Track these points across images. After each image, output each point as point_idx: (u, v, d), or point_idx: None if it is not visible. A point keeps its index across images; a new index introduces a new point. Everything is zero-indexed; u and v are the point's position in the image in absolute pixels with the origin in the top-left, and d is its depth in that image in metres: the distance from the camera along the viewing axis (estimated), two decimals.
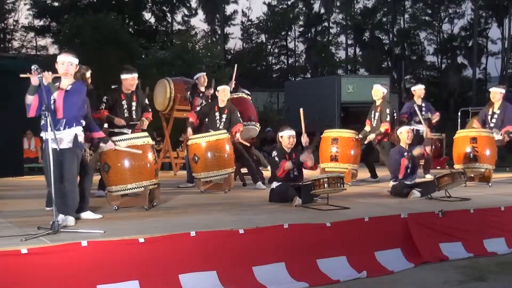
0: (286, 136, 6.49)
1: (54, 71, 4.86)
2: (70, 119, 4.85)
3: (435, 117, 9.17)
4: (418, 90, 9.16)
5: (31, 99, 4.75)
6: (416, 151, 6.81)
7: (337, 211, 5.62)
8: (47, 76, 4.67)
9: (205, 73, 9.09)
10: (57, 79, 4.90)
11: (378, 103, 8.60)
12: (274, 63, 42.55)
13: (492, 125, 8.34)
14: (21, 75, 4.61)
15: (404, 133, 6.94)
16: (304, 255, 4.70)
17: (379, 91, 8.64)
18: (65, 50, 5.12)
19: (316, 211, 5.67)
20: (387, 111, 8.43)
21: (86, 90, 5.18)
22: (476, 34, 37.05)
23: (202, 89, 8.81)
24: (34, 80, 4.60)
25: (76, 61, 4.98)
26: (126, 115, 6.71)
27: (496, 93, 8.45)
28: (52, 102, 4.75)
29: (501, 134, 8.15)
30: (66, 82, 4.91)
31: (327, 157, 8.17)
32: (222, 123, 7.84)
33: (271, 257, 4.57)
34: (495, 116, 8.37)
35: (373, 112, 8.64)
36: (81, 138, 4.95)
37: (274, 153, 6.47)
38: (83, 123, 5.04)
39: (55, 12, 28.93)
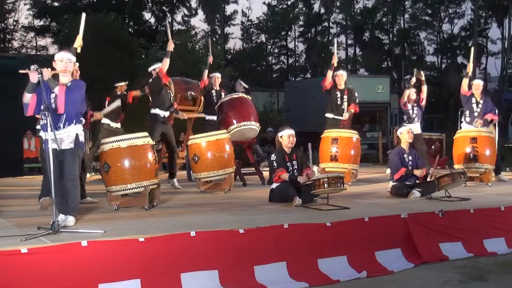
0: (286, 136, 6.47)
1: (52, 69, 4.86)
2: (71, 116, 4.84)
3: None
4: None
5: (28, 98, 4.74)
6: (417, 172, 6.81)
7: (337, 211, 5.62)
8: (47, 72, 4.67)
9: (217, 74, 9.10)
10: (55, 77, 4.91)
11: (343, 87, 8.70)
12: (274, 63, 42.62)
13: (475, 114, 8.38)
14: (20, 71, 4.61)
15: (404, 134, 6.94)
16: (304, 255, 4.71)
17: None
18: (63, 48, 5.11)
19: (316, 211, 5.67)
20: (356, 94, 8.76)
21: None
22: (476, 34, 37.06)
23: (216, 88, 8.84)
24: (33, 77, 4.59)
25: (74, 58, 5.00)
26: None
27: (480, 85, 8.58)
28: (53, 98, 4.74)
29: (476, 122, 8.26)
30: (65, 80, 4.90)
31: (327, 157, 8.16)
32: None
33: (271, 257, 4.58)
34: (480, 106, 8.43)
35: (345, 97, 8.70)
36: (82, 138, 4.95)
37: (273, 156, 6.41)
38: (83, 121, 5.05)
39: (55, 12, 28.91)
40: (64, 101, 4.74)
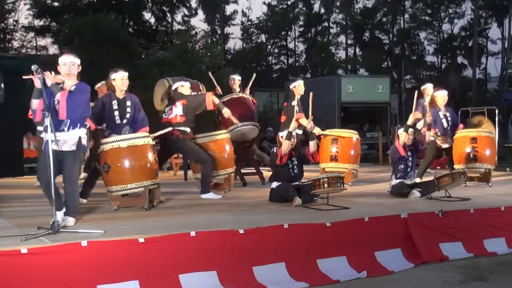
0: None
1: (56, 73, 4.84)
2: (75, 120, 4.81)
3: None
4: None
5: (36, 103, 4.71)
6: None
7: (337, 211, 5.62)
8: (50, 76, 4.66)
9: (236, 76, 8.83)
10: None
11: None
12: (274, 63, 42.56)
13: (447, 126, 8.12)
14: (24, 76, 4.60)
15: (403, 135, 6.94)
16: (304, 255, 4.71)
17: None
18: (66, 50, 5.09)
19: (316, 211, 5.67)
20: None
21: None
22: (476, 34, 37.06)
23: (236, 91, 8.63)
24: (37, 83, 4.57)
25: (78, 61, 4.95)
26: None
27: (446, 96, 8.22)
28: (56, 103, 4.73)
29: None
30: (70, 83, 4.88)
31: (327, 157, 8.16)
32: None
33: (271, 257, 4.58)
34: (448, 118, 8.16)
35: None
36: (84, 141, 4.91)
37: (275, 148, 6.52)
38: (87, 125, 5.04)
39: (55, 12, 28.85)
40: (66, 107, 4.70)
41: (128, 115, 6.03)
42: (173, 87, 7.18)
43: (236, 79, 8.77)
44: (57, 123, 4.66)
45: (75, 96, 4.78)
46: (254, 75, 9.14)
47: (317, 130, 8.05)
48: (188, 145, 6.85)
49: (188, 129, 6.85)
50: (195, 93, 7.42)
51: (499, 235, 5.71)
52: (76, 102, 4.78)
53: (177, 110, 6.80)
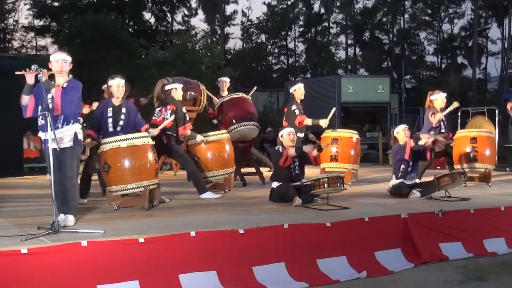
0: (286, 134, 6.50)
1: (49, 70, 4.88)
2: (68, 116, 4.86)
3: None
4: None
5: (26, 100, 4.77)
6: (424, 137, 6.74)
7: (337, 211, 5.62)
8: (45, 73, 4.69)
9: (225, 78, 9.06)
10: (51, 78, 4.92)
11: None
12: (274, 63, 42.52)
13: (443, 130, 8.01)
14: (17, 72, 4.62)
15: (401, 132, 6.94)
16: (304, 255, 4.71)
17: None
18: (58, 49, 5.14)
19: (316, 211, 5.67)
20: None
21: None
22: (476, 34, 37.04)
23: (223, 93, 8.80)
24: (30, 79, 4.62)
25: (69, 58, 5.00)
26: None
27: (444, 99, 8.08)
28: (50, 99, 4.75)
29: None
30: (61, 80, 4.92)
31: (327, 157, 8.16)
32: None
33: (271, 257, 4.58)
34: (445, 123, 8.08)
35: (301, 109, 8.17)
36: (80, 136, 4.97)
37: (278, 147, 6.49)
38: (81, 120, 5.07)
39: (55, 12, 28.87)
40: (61, 103, 4.77)
41: (121, 122, 6.02)
42: (166, 88, 7.15)
43: (227, 81, 8.95)
44: (52, 120, 4.66)
45: (68, 92, 4.84)
46: (255, 87, 9.18)
47: (323, 122, 8.03)
48: (174, 148, 6.93)
49: (174, 134, 6.90)
50: (186, 110, 7.35)
51: (499, 235, 5.71)
52: (70, 98, 4.84)
53: (166, 114, 6.81)
